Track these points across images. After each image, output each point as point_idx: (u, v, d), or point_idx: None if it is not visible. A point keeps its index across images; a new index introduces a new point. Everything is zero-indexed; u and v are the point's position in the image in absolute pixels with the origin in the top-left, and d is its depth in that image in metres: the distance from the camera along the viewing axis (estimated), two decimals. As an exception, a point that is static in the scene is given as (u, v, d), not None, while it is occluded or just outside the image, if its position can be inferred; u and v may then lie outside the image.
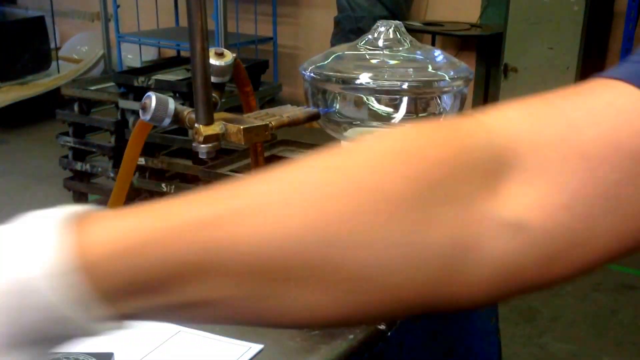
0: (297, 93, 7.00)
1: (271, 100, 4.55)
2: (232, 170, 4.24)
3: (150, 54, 7.50)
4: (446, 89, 1.24)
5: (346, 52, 1.29)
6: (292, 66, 7.31)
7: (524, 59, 5.46)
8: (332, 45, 6.21)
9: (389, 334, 1.09)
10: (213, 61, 1.30)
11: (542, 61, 5.39)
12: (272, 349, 1.03)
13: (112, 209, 1.35)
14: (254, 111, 1.48)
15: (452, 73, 1.24)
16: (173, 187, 4.17)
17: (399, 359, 1.13)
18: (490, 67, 5.81)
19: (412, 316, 1.10)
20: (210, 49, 1.27)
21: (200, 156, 1.24)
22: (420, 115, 1.25)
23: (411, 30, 5.68)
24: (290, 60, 7.33)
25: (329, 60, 1.28)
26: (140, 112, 1.27)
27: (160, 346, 1.02)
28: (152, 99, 1.25)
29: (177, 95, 4.16)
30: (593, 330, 3.37)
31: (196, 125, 1.22)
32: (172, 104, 1.25)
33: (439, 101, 1.25)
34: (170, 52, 7.40)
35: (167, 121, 1.25)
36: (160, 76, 4.27)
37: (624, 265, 4.00)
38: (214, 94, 1.26)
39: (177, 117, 1.26)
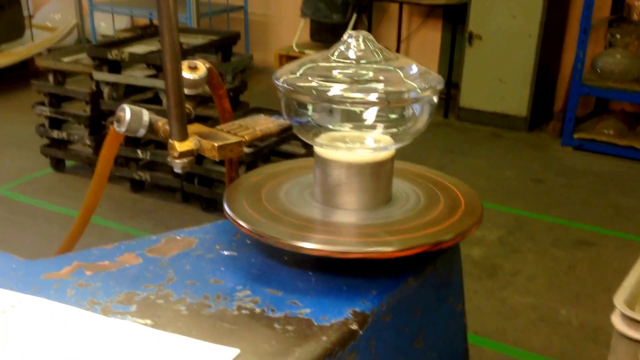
0: (268, 60, 7.10)
1: (243, 71, 4.63)
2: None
3: (123, 22, 7.50)
4: (416, 99, 1.25)
5: (319, 63, 1.28)
6: (263, 34, 7.35)
7: (488, 26, 5.57)
8: (303, 13, 6.27)
9: (361, 332, 1.10)
10: (186, 75, 1.32)
11: (506, 29, 5.51)
12: (248, 352, 1.01)
13: (88, 208, 1.47)
14: (227, 112, 1.53)
15: (422, 84, 1.24)
16: (148, 153, 4.28)
17: (370, 355, 1.14)
18: (456, 35, 5.89)
19: (382, 313, 1.15)
20: (183, 62, 1.27)
21: (176, 170, 1.25)
22: (391, 121, 1.26)
23: (379, 0, 5.76)
24: (261, 28, 7.36)
25: (302, 70, 1.28)
26: (115, 124, 1.28)
27: (139, 352, 1.01)
28: (127, 111, 1.26)
29: (150, 67, 4.25)
30: (551, 285, 3.51)
31: (170, 141, 1.23)
32: (146, 115, 1.27)
33: (409, 109, 1.26)
34: (143, 21, 7.41)
35: (141, 132, 1.27)
36: (133, 49, 4.34)
37: (581, 222, 4.18)
38: (187, 106, 1.27)
39: (151, 127, 1.27)
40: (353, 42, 1.29)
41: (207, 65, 1.37)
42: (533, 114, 5.67)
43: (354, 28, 6.40)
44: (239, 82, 4.61)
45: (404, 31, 6.63)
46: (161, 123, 1.29)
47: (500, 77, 5.62)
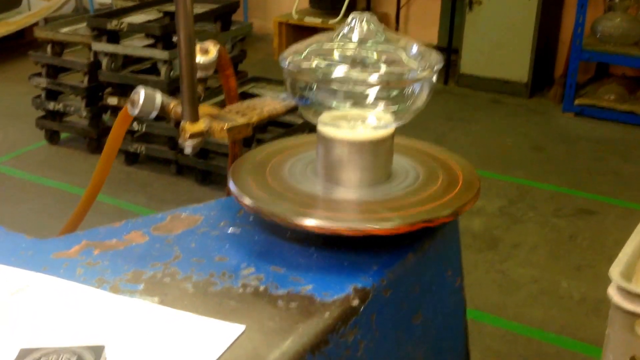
0: (267, 27, 7.08)
1: (242, 40, 4.63)
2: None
3: (121, -11, 7.48)
4: (416, 79, 1.30)
5: (323, 45, 1.32)
6: (261, 0, 7.33)
7: (488, -9, 5.57)
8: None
9: (362, 308, 1.13)
10: (198, 57, 1.36)
11: (505, -7, 5.51)
12: (254, 329, 1.05)
13: (94, 186, 1.50)
14: (233, 90, 1.58)
15: (422, 64, 1.29)
16: (144, 125, 4.30)
17: (370, 329, 1.17)
18: (456, 0, 5.89)
19: (383, 288, 1.18)
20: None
21: (186, 152, 1.31)
22: (391, 100, 1.30)
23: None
24: (260, -6, 7.37)
25: (307, 52, 1.32)
26: (129, 106, 1.33)
27: (148, 329, 1.05)
28: (141, 94, 1.31)
29: (148, 36, 4.25)
30: (552, 256, 3.53)
31: (182, 122, 1.29)
32: (159, 98, 1.32)
33: (409, 89, 1.30)
34: (141, -13, 7.38)
35: (154, 114, 1.32)
36: (132, 18, 4.34)
37: (582, 190, 4.20)
38: (198, 88, 1.32)
39: (163, 109, 1.33)
40: (357, 24, 1.32)
41: (218, 47, 1.42)
42: (534, 79, 5.67)
43: (354, -6, 6.41)
44: (237, 51, 4.62)
45: (404, -4, 6.62)
46: (172, 105, 1.33)
47: (501, 43, 5.62)
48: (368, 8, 6.46)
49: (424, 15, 6.60)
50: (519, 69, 5.65)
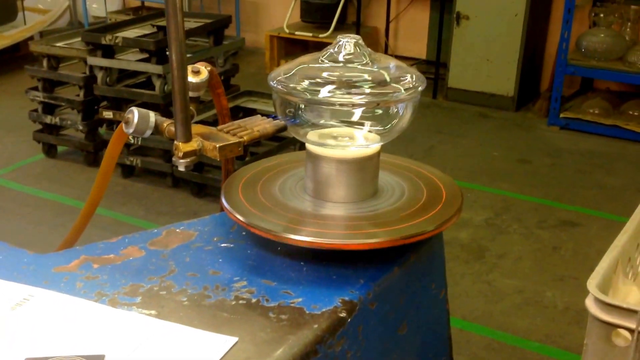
0: (259, 41, 7.14)
1: (234, 54, 4.69)
2: (196, 122, 4.44)
3: (114, 3, 7.52)
4: (400, 99, 1.34)
5: (310, 65, 1.37)
6: (253, 14, 7.38)
7: (475, 6, 5.65)
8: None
9: (349, 320, 1.18)
10: (190, 78, 1.41)
11: (492, 8, 5.59)
12: (246, 340, 1.09)
13: (92, 203, 1.55)
14: (225, 109, 1.63)
15: (406, 85, 1.32)
16: (140, 139, 4.34)
17: (357, 340, 1.21)
18: (444, 15, 5.97)
19: (369, 301, 1.23)
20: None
21: (180, 169, 1.35)
22: (377, 119, 1.35)
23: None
24: (252, 9, 7.38)
25: (294, 72, 1.35)
26: (124, 125, 1.38)
27: (145, 341, 1.08)
28: (135, 114, 1.36)
29: (144, 51, 4.30)
30: (537, 267, 3.59)
31: (176, 142, 1.34)
32: (152, 117, 1.37)
33: (394, 108, 1.35)
34: (135, 2, 7.43)
35: (148, 133, 1.37)
36: (126, 33, 4.39)
37: (566, 203, 4.27)
38: (190, 107, 1.35)
39: (157, 128, 1.37)
40: (344, 46, 1.37)
41: (209, 68, 1.48)
42: (520, 93, 5.75)
43: (344, 8, 6.45)
44: (230, 65, 4.68)
45: (393, 11, 6.68)
46: (166, 124, 1.38)
47: (488, 57, 5.71)
48: (358, 23, 6.52)
49: (412, 29, 6.68)
50: (505, 83, 5.73)
